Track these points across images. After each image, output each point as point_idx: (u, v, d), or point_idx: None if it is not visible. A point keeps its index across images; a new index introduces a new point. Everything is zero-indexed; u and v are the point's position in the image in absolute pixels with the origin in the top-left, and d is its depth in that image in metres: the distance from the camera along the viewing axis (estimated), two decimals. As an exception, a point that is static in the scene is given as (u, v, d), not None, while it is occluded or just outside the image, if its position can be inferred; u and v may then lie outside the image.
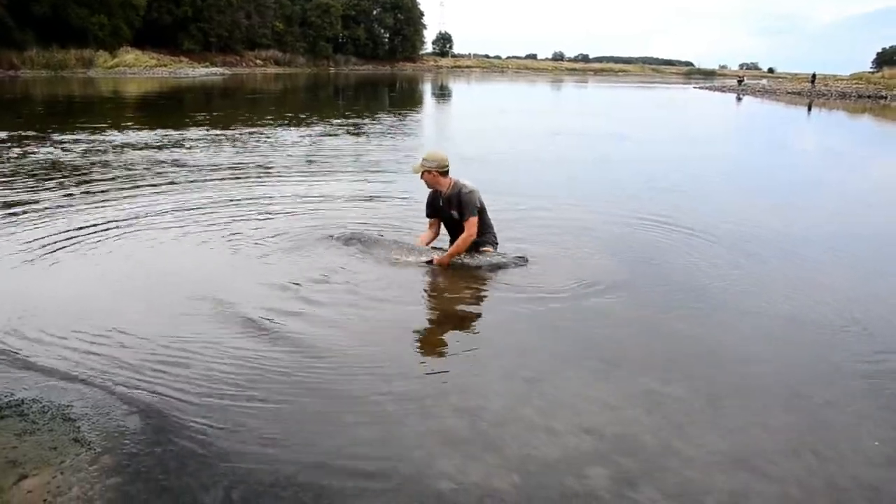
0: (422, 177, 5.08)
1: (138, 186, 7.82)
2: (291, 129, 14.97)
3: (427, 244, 5.29)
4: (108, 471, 2.42)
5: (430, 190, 5.18)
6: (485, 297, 4.45)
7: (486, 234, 5.15)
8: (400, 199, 7.35)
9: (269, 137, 13.12)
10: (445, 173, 5.04)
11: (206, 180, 8.28)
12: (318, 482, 2.43)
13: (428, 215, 5.34)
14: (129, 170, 8.93)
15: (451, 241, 5.13)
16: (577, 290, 4.57)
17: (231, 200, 7.09)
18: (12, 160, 9.35)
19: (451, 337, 3.85)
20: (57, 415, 2.78)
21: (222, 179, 8.40)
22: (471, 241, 4.98)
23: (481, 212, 5.07)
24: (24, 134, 12.30)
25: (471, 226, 4.96)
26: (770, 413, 3.08)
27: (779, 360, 3.67)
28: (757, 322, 4.21)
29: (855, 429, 2.96)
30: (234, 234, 5.76)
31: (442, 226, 5.34)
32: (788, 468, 2.63)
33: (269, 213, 6.54)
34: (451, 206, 5.07)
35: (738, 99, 40.08)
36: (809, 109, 30.77)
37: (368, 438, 2.73)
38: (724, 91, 49.85)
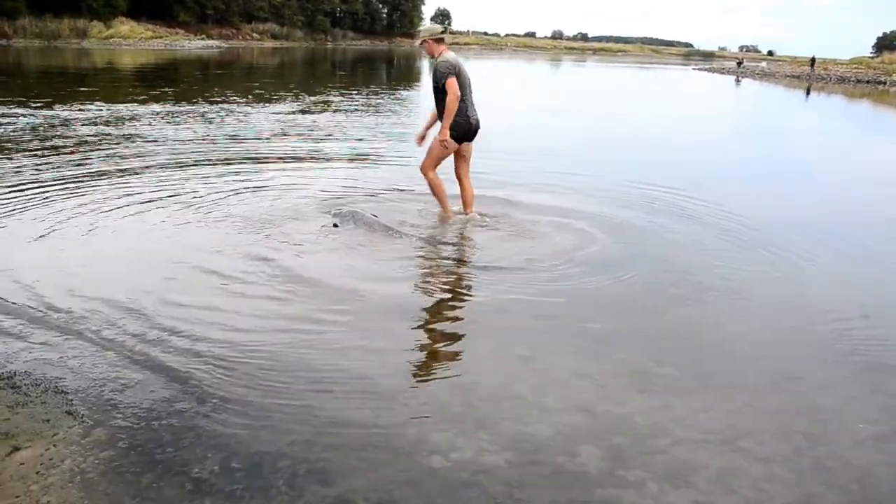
0: (423, 48, 5.51)
1: (144, 165, 7.77)
2: (290, 102, 14.85)
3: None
4: (101, 444, 2.43)
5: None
6: (479, 276, 4.45)
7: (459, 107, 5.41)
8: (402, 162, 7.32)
9: (266, 109, 13.02)
10: (439, 41, 5.45)
11: (199, 152, 8.23)
12: (312, 455, 2.44)
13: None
14: (130, 146, 8.87)
15: (439, 115, 5.54)
16: (570, 270, 4.58)
17: (232, 169, 7.05)
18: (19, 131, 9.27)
19: (444, 315, 3.86)
20: (49, 387, 2.78)
21: (225, 150, 8.36)
22: (455, 98, 5.27)
23: (461, 84, 5.35)
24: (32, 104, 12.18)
25: (449, 86, 5.27)
26: (760, 395, 3.10)
27: (771, 343, 3.69)
28: (749, 305, 4.23)
29: (844, 411, 2.99)
30: (228, 213, 5.73)
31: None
32: (777, 449, 2.65)
33: (270, 186, 6.50)
34: (434, 75, 5.45)
35: (737, 81, 39.91)
36: (808, 93, 30.69)
37: (361, 413, 2.75)
38: (723, 73, 49.62)
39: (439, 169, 5.62)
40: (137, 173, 7.03)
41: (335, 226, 5.28)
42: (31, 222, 5.12)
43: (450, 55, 5.42)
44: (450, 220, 5.60)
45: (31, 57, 29.67)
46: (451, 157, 5.63)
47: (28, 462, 2.30)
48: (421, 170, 5.61)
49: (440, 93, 5.38)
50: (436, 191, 5.64)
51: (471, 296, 4.17)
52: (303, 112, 13.40)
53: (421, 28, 5.74)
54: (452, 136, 5.40)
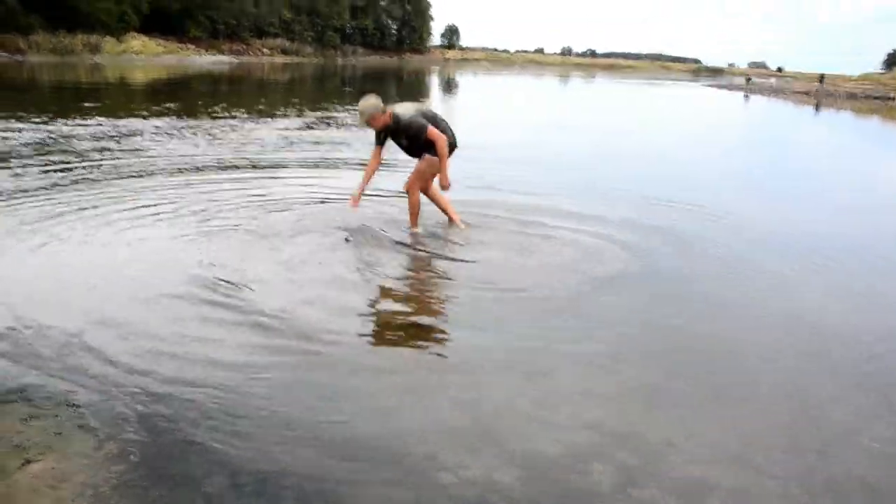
0: (369, 126, 5.50)
1: (155, 175, 7.82)
2: (297, 118, 14.94)
3: (373, 172, 5.74)
4: (113, 457, 2.43)
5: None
6: (484, 290, 4.44)
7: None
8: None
9: (271, 124, 13.10)
10: (382, 112, 5.42)
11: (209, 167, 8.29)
12: (319, 473, 2.44)
13: (376, 145, 5.70)
14: (143, 156, 8.93)
15: (414, 158, 5.64)
16: (577, 283, 4.57)
17: (245, 184, 7.09)
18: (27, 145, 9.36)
19: (449, 331, 3.85)
20: (62, 401, 2.80)
21: (235, 167, 8.41)
22: (444, 142, 5.39)
23: (432, 120, 5.48)
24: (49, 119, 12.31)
25: (432, 134, 5.37)
26: (772, 410, 3.08)
27: (782, 357, 3.68)
28: (760, 319, 4.21)
29: (857, 428, 2.97)
30: (237, 223, 5.76)
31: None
32: (790, 466, 2.64)
33: (281, 199, 6.53)
34: (397, 137, 5.54)
35: (746, 97, 39.93)
36: (817, 109, 30.65)
37: (369, 431, 2.74)
38: (731, 89, 49.65)
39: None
40: (147, 181, 7.08)
41: (346, 240, 5.31)
42: (38, 233, 5.15)
43: (404, 109, 5.49)
44: (435, 233, 5.68)
45: (45, 72, 29.99)
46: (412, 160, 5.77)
47: (40, 475, 2.31)
48: (407, 188, 5.68)
49: (421, 145, 5.46)
50: (414, 210, 5.70)
51: (480, 312, 4.17)
52: (308, 127, 13.47)
53: (363, 108, 5.39)
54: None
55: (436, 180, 5.61)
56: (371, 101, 5.40)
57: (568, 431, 2.80)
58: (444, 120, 5.60)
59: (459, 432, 2.76)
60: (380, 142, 5.65)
